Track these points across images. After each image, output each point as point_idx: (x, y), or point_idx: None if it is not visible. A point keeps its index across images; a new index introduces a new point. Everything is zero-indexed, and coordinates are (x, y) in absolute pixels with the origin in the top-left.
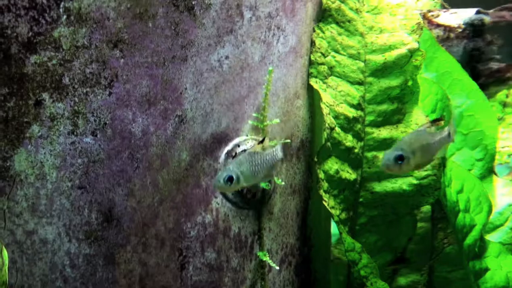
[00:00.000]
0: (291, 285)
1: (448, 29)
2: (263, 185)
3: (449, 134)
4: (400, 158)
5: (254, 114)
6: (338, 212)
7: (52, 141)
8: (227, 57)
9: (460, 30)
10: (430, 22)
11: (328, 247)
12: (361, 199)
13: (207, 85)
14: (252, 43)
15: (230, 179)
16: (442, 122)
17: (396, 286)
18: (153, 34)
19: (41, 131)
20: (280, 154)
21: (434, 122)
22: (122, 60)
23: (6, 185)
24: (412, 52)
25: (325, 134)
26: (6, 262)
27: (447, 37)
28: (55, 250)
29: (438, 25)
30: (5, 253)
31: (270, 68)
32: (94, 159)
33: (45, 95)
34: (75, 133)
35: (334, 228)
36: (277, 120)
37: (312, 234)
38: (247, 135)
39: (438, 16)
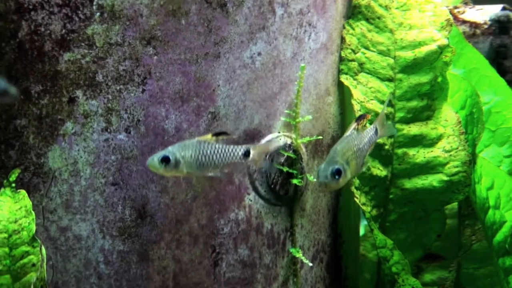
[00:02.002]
0: (323, 282)
1: (474, 25)
2: (295, 181)
3: (376, 131)
4: (337, 173)
5: (286, 111)
6: (369, 208)
7: (86, 138)
8: (259, 54)
9: (486, 26)
10: (456, 18)
11: (357, 244)
12: (391, 196)
13: (239, 81)
14: (284, 39)
15: (165, 159)
16: (366, 120)
17: (424, 283)
18: (186, 31)
19: (75, 128)
20: (240, 153)
21: (358, 120)
22: (155, 57)
23: (41, 181)
24: (442, 48)
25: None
26: (45, 258)
27: (473, 33)
28: (89, 247)
29: (464, 22)
30: (43, 249)
31: (303, 65)
32: (127, 155)
33: (79, 93)
34: (108, 130)
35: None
36: (309, 117)
37: (342, 231)
38: (279, 132)
39: (464, 12)
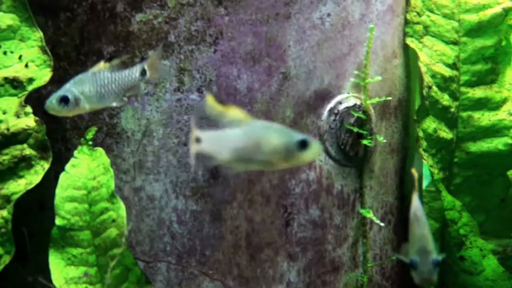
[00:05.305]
0: (390, 244)
1: None
2: (365, 142)
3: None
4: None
5: (355, 72)
6: (436, 171)
7: (159, 98)
8: (328, 15)
9: None
10: None
11: None
12: (456, 160)
13: (310, 42)
14: (352, 1)
15: (64, 99)
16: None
17: None
18: None
19: (147, 88)
20: (137, 74)
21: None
22: (226, 17)
23: (114, 142)
24: (507, 11)
25: (424, 92)
26: (125, 214)
27: None
28: (162, 207)
29: None
30: (123, 205)
31: (372, 26)
32: (200, 115)
33: (151, 53)
34: (181, 90)
35: None
36: (379, 78)
37: (408, 194)
38: (348, 93)
39: None
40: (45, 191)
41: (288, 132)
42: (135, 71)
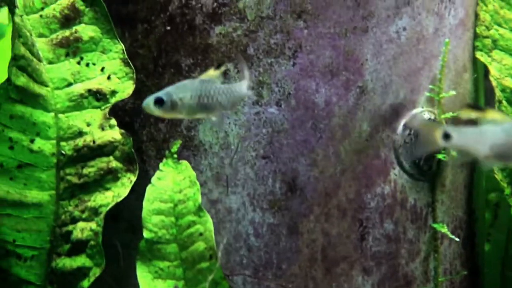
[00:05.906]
0: (459, 259)
1: None
2: (440, 156)
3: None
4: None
5: (429, 86)
6: (505, 185)
7: (237, 111)
8: (404, 29)
9: None
10: None
11: (485, 222)
12: None
13: (386, 56)
14: (426, 15)
15: (159, 101)
16: None
17: None
18: (336, 5)
19: None
20: (244, 90)
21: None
22: (305, 30)
23: (191, 154)
24: None
25: (495, 107)
26: (212, 228)
27: None
28: (239, 219)
29: None
30: (210, 219)
31: (447, 40)
32: (278, 129)
33: (230, 66)
34: (259, 103)
35: None
36: (453, 92)
37: (476, 208)
38: (422, 107)
39: None
40: (119, 202)
41: None
42: (243, 85)
